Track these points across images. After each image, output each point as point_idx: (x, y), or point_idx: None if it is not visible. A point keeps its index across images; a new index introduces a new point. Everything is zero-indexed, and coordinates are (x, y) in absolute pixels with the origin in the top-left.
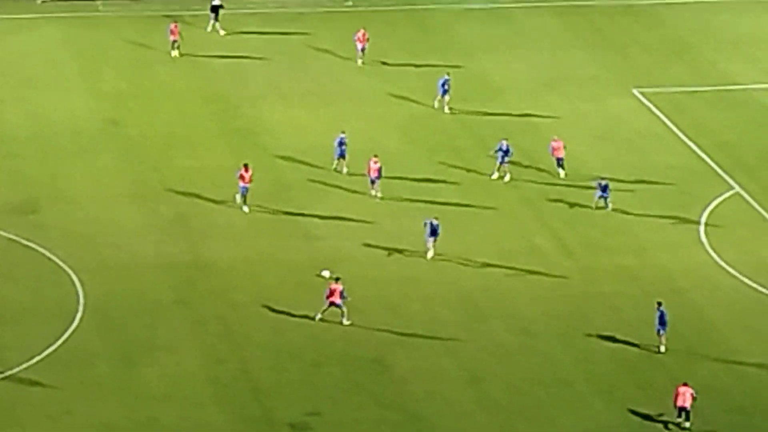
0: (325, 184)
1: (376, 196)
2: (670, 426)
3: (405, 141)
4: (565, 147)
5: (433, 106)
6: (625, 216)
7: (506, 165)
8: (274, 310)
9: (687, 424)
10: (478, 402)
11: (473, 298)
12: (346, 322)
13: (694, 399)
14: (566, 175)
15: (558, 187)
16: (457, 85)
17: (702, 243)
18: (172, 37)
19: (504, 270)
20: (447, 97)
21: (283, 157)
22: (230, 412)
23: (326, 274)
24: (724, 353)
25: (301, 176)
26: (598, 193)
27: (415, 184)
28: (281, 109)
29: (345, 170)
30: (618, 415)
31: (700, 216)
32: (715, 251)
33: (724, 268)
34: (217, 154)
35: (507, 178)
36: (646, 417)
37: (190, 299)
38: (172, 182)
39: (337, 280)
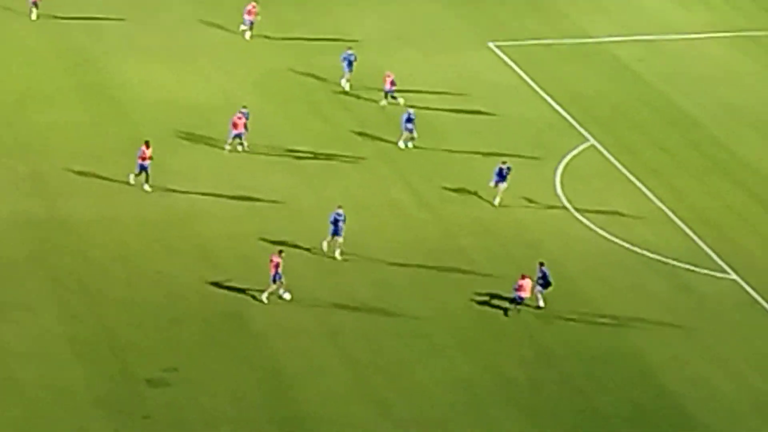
0: (181, 138)
1: (234, 150)
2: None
3: (262, 96)
4: (393, 82)
5: (339, 85)
6: (481, 168)
7: (410, 132)
8: (130, 267)
9: (519, 307)
10: (336, 356)
11: (330, 252)
12: (286, 296)
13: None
14: (404, 102)
15: (414, 141)
16: (312, 38)
17: (557, 195)
18: None
19: (361, 223)
20: (349, 73)
21: (138, 112)
22: (89, 369)
23: (287, 296)
24: (579, 304)
25: (157, 131)
26: (495, 178)
27: (273, 138)
28: (136, 64)
29: (243, 147)
30: (476, 367)
31: (556, 168)
32: (570, 203)
33: (579, 220)
34: (72, 110)
35: (408, 144)
36: (504, 368)
37: (46, 256)
38: (27, 138)
39: (280, 252)
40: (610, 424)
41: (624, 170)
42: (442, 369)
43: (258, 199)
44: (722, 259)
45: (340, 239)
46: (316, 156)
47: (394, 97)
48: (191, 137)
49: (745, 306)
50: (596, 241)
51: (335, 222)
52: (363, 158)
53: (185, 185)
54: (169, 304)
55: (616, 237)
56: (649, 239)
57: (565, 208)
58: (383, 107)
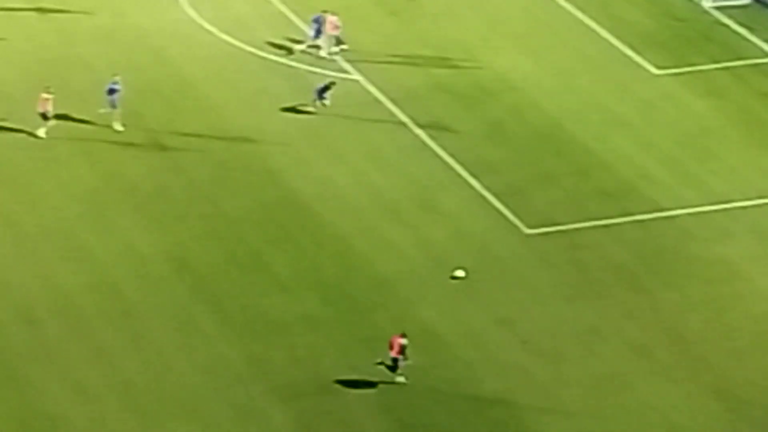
0: None
1: None
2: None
3: None
4: None
5: None
6: None
7: None
8: None
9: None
10: None
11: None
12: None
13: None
14: None
15: None
16: None
17: (178, 2)
18: None
19: None
20: None
21: None
22: None
23: (461, 273)
24: (204, 109)
25: None
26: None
27: None
28: None
29: None
30: (101, 176)
31: None
32: (192, 8)
33: (201, 26)
34: None
35: None
36: (130, 176)
37: None
38: None
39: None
40: (240, 228)
41: None
42: (67, 180)
43: None
44: (345, 59)
45: (116, 111)
46: None
47: None
48: None
49: (367, 105)
50: (220, 46)
51: (111, 92)
52: None
53: None
54: None
55: (239, 40)
56: (272, 42)
57: (185, 13)
58: None
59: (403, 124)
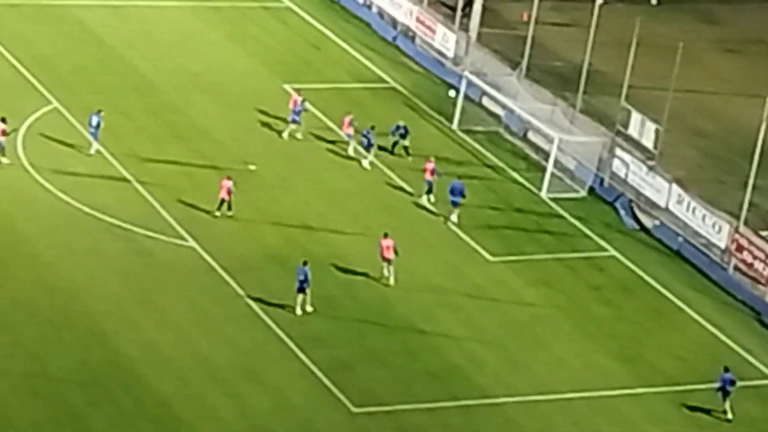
0: None
1: None
2: None
3: None
4: None
5: None
6: None
7: None
8: None
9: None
10: None
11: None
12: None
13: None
14: None
15: None
16: None
17: (19, 158)
18: None
19: None
20: None
21: None
22: None
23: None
24: (36, 267)
25: None
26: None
27: None
28: None
29: None
30: None
31: (18, 131)
32: (32, 166)
33: (40, 183)
34: None
35: None
36: None
37: None
38: None
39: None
40: (63, 388)
41: (88, 135)
42: None
43: None
44: (181, 226)
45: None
46: None
47: None
48: None
49: (200, 272)
50: (56, 204)
51: (302, 282)
52: None
53: None
54: None
55: (77, 200)
56: (109, 204)
57: (26, 170)
58: None
59: (236, 294)
